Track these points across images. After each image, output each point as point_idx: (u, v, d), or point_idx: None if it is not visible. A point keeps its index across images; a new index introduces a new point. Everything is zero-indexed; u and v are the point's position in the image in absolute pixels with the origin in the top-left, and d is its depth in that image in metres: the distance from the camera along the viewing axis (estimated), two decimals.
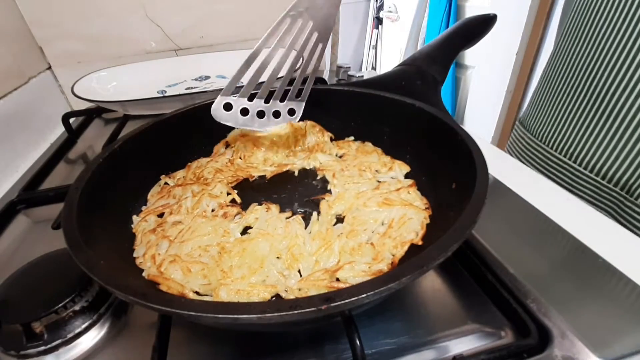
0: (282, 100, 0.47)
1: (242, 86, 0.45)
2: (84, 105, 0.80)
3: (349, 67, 0.89)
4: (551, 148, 0.60)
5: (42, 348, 0.32)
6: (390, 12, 2.40)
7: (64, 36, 0.83)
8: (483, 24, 0.57)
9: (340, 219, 0.39)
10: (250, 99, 0.46)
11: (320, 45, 0.46)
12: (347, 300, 0.22)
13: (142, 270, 0.34)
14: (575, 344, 0.29)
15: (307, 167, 0.48)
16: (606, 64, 0.49)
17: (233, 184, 0.46)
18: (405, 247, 0.33)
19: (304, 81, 0.47)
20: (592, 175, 0.54)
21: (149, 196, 0.44)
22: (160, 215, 0.41)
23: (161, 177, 0.47)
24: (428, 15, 2.14)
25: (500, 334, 0.31)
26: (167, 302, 0.23)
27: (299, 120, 0.49)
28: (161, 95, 0.80)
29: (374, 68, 2.70)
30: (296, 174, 0.48)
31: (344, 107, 0.52)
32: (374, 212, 0.38)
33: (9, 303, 0.33)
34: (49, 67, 0.85)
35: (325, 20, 0.45)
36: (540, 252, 0.39)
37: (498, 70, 1.86)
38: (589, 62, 0.52)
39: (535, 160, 0.63)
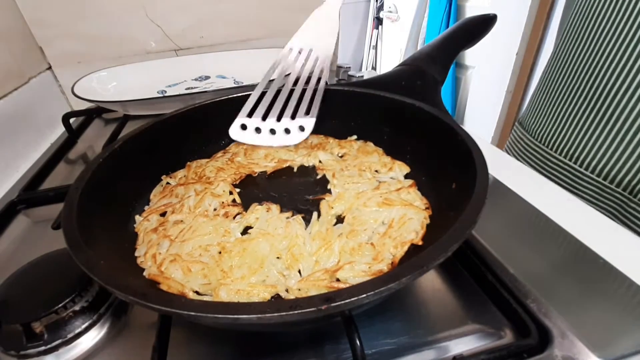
0: (292, 118, 0.50)
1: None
2: (84, 106, 0.80)
3: (349, 67, 0.89)
4: (551, 149, 0.60)
5: (42, 348, 0.32)
6: (390, 12, 2.40)
7: (64, 36, 0.83)
8: (483, 24, 0.57)
9: (340, 219, 0.39)
10: (264, 118, 0.50)
11: (324, 65, 0.51)
12: (347, 300, 0.22)
13: (143, 270, 0.34)
14: (575, 344, 0.29)
15: (307, 165, 0.48)
16: (607, 65, 0.49)
17: (237, 182, 0.46)
18: (405, 247, 0.33)
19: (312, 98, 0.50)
20: (594, 177, 0.54)
21: (151, 196, 0.44)
22: (163, 215, 0.41)
23: (162, 177, 0.47)
24: (428, 15, 2.15)
25: (500, 334, 0.31)
26: (167, 302, 0.23)
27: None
28: (161, 95, 0.80)
29: (374, 68, 2.70)
30: (295, 170, 0.48)
31: (344, 107, 0.52)
32: (374, 212, 0.38)
33: (9, 303, 0.33)
34: (49, 67, 0.85)
35: (326, 47, 0.52)
36: (540, 253, 0.39)
37: (498, 70, 1.86)
38: (590, 62, 0.52)
39: (535, 161, 0.63)
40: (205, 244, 0.36)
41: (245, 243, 0.35)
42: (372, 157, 0.47)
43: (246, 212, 0.40)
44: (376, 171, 0.45)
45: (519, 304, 0.32)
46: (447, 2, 1.96)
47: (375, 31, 2.59)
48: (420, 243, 0.34)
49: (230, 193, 0.44)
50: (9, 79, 0.71)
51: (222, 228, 0.38)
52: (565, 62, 0.56)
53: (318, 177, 0.46)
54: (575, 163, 0.56)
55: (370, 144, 0.50)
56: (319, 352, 0.31)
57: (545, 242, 0.40)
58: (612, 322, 0.31)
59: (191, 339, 0.33)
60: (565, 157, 0.58)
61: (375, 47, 2.64)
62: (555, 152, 0.59)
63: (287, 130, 0.50)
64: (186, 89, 0.82)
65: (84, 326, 0.34)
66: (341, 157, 0.49)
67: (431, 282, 0.37)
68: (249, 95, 0.51)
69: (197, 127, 0.51)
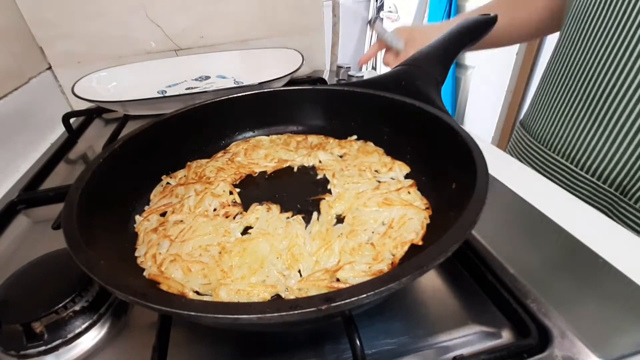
0: None
1: None
2: (84, 106, 0.80)
3: (349, 67, 0.89)
4: (550, 149, 0.60)
5: (42, 348, 0.32)
6: (390, 12, 2.40)
7: (64, 36, 0.83)
8: (483, 25, 0.57)
9: (340, 219, 0.39)
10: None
11: None
12: (347, 300, 0.22)
13: (143, 270, 0.34)
14: (575, 344, 0.29)
15: (307, 165, 0.48)
16: (603, 68, 0.50)
17: (237, 182, 0.46)
18: (406, 247, 0.33)
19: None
20: (588, 177, 0.54)
21: (151, 196, 0.44)
22: (163, 215, 0.41)
23: (162, 177, 0.47)
24: (428, 15, 2.15)
25: (500, 334, 0.31)
26: (167, 302, 0.23)
27: None
28: (161, 95, 0.80)
29: (374, 68, 2.70)
30: (295, 169, 0.48)
31: (344, 107, 0.52)
32: (374, 212, 0.38)
33: (9, 303, 0.33)
34: (49, 67, 0.85)
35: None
36: (540, 252, 0.39)
37: (498, 70, 1.86)
38: (586, 65, 0.52)
39: (535, 161, 0.63)
40: (206, 244, 0.36)
41: (246, 243, 0.35)
42: (372, 157, 0.47)
43: (246, 212, 0.41)
44: (376, 171, 0.45)
45: (518, 303, 0.32)
46: (447, 2, 1.96)
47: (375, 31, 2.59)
48: (420, 243, 0.34)
49: (231, 193, 0.44)
50: (9, 79, 0.71)
51: (222, 228, 0.38)
52: (563, 65, 0.57)
53: (318, 177, 0.46)
54: (570, 163, 0.57)
55: (371, 144, 0.50)
56: (319, 352, 0.31)
57: (546, 242, 0.40)
58: (612, 321, 0.31)
59: (191, 339, 0.33)
60: (562, 157, 0.58)
61: None
62: (553, 152, 0.59)
63: None
64: (186, 89, 0.82)
65: (84, 326, 0.34)
66: (341, 157, 0.49)
67: (431, 282, 0.37)
68: (249, 95, 0.51)
69: (197, 127, 0.51)
